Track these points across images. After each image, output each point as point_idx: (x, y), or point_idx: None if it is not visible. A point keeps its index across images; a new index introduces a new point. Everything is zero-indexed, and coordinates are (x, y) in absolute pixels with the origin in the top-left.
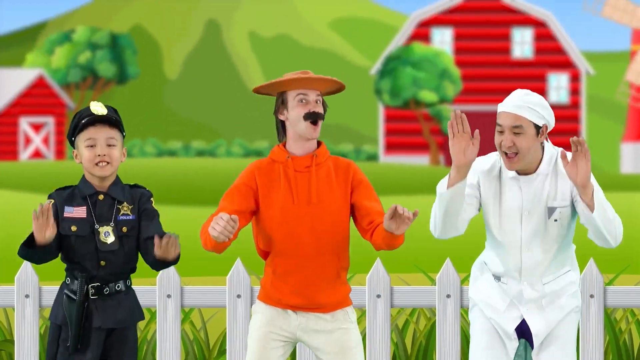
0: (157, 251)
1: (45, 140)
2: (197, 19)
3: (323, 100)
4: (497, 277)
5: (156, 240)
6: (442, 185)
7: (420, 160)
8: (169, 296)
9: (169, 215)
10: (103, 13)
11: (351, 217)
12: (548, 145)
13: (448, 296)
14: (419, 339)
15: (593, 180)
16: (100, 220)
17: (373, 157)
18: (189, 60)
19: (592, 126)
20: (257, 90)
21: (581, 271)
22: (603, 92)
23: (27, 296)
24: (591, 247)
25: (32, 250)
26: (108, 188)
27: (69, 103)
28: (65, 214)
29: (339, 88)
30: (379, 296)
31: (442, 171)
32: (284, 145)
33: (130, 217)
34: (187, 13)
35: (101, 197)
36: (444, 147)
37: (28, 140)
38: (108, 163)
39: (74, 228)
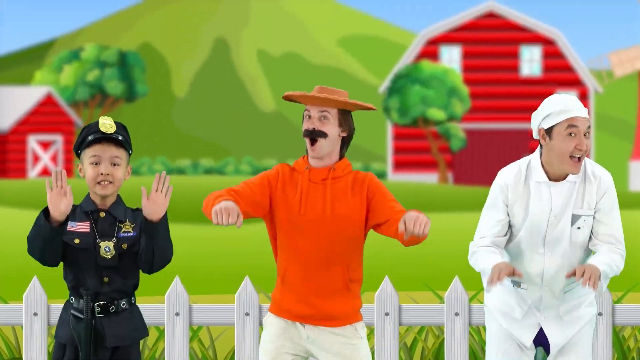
0: (146, 205)
1: (54, 158)
2: (205, 37)
3: (343, 117)
4: (517, 283)
5: (143, 190)
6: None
7: (429, 178)
8: (177, 314)
9: (177, 233)
10: (112, 31)
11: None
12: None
13: (456, 314)
14: (428, 357)
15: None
16: (102, 236)
17: (382, 175)
18: (197, 79)
19: (601, 144)
20: (287, 97)
21: None
22: (611, 110)
23: (35, 314)
24: None
25: (43, 229)
26: (109, 206)
27: (77, 121)
28: (69, 228)
29: (357, 105)
30: (387, 314)
31: (450, 189)
32: (307, 158)
33: (132, 234)
34: (196, 31)
35: (102, 214)
36: (452, 165)
37: (36, 158)
38: (110, 182)
39: (77, 241)
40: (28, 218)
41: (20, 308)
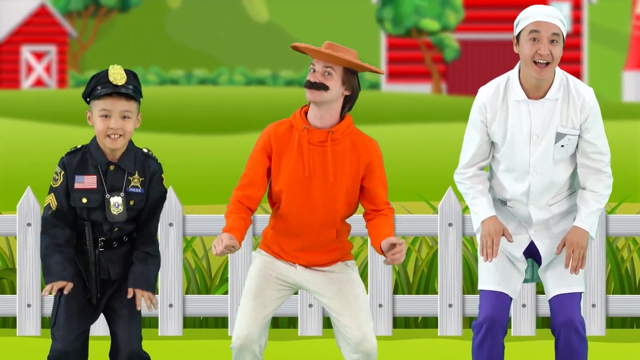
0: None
1: (47, 69)
2: None
3: (348, 76)
4: (504, 202)
5: (130, 292)
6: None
7: (423, 88)
8: (170, 224)
9: (170, 144)
10: None
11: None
12: (559, 70)
13: (450, 225)
14: (421, 267)
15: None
16: (111, 190)
17: (375, 86)
18: None
19: (594, 55)
20: (295, 47)
21: None
22: (605, 21)
23: (29, 224)
24: None
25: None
26: (119, 159)
27: (71, 31)
28: (76, 185)
29: (364, 67)
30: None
31: (444, 99)
32: (306, 112)
33: (139, 191)
34: None
35: (112, 167)
36: (446, 75)
37: (30, 69)
38: (121, 136)
39: (84, 200)
40: (22, 128)
41: (13, 218)
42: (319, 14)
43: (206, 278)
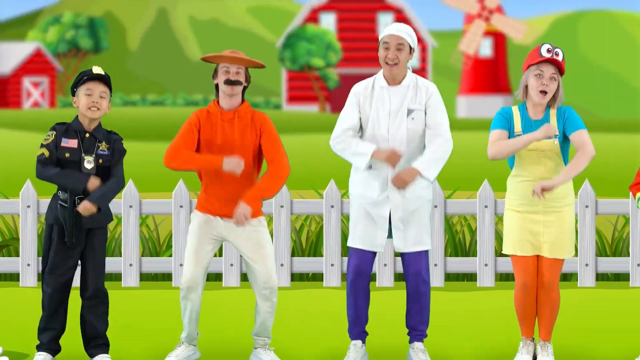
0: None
1: (42, 94)
2: (151, 7)
3: (246, 72)
4: (369, 166)
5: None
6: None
7: (312, 108)
8: (130, 206)
9: (132, 148)
10: (84, 3)
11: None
12: (411, 72)
13: (332, 206)
14: (311, 238)
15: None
16: (86, 151)
17: (278, 107)
18: (145, 37)
19: (437, 84)
20: (204, 59)
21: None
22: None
23: (28, 206)
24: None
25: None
26: (93, 129)
27: (58, 67)
28: (62, 144)
29: (257, 64)
30: (282, 206)
31: (327, 116)
32: (217, 102)
33: (106, 153)
34: (145, 3)
35: (87, 135)
36: (329, 99)
37: (29, 94)
38: (98, 109)
39: (67, 155)
40: (23, 138)
41: (17, 202)
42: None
43: (156, 245)
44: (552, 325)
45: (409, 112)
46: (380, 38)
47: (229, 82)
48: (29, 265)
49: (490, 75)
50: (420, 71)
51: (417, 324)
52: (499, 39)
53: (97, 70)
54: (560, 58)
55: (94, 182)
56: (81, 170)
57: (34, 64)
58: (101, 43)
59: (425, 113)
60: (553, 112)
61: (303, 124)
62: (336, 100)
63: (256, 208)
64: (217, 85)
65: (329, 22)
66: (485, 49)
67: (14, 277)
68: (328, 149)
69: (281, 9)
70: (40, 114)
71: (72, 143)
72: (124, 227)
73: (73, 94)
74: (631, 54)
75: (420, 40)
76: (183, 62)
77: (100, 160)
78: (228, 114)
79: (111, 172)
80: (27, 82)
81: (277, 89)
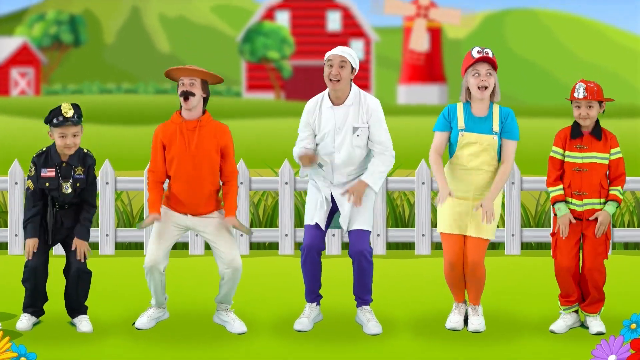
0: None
1: (28, 84)
2: (125, 5)
3: (203, 84)
4: (320, 166)
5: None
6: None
7: (269, 95)
8: (107, 183)
9: (108, 131)
10: (66, 1)
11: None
12: (355, 86)
13: (286, 183)
14: (268, 211)
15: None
16: (63, 178)
17: (238, 94)
18: (120, 32)
19: (379, 75)
20: (167, 74)
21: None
22: (385, 52)
23: (16, 183)
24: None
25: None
26: (68, 158)
27: (43, 59)
28: (42, 175)
29: (215, 78)
30: (242, 183)
31: (282, 103)
32: (180, 112)
33: (82, 177)
34: (119, 1)
35: (64, 164)
36: (283, 87)
37: (16, 84)
38: (72, 147)
39: (47, 184)
40: (11, 122)
41: (6, 179)
42: (203, 46)
43: (130, 218)
44: (479, 294)
45: (354, 129)
46: (325, 58)
47: (182, 94)
48: (16, 235)
49: (426, 67)
50: (365, 62)
51: (361, 294)
52: (435, 35)
53: (66, 110)
54: (490, 55)
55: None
56: (60, 195)
57: (21, 56)
58: (81, 37)
59: (369, 130)
60: (496, 110)
61: (261, 110)
62: (290, 88)
63: (216, 206)
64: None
65: (283, 19)
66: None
67: (3, 246)
68: (283, 132)
69: (241, 7)
70: (27, 101)
71: (50, 172)
72: (101, 202)
73: (47, 123)
74: (552, 48)
75: (364, 35)
76: (154, 55)
77: (78, 184)
78: (190, 124)
79: (84, 198)
80: (14, 73)
81: (237, 79)
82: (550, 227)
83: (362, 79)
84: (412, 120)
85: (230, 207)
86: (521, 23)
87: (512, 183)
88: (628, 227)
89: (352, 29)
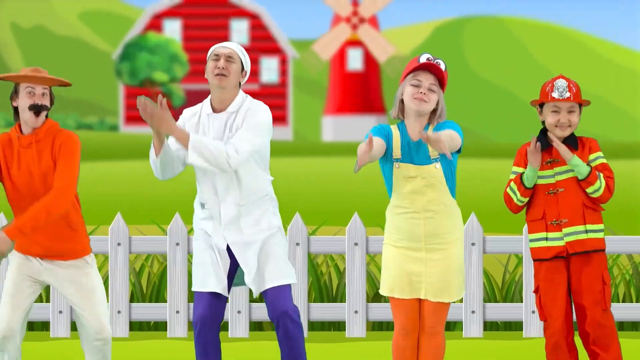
0: None
1: None
2: None
3: (51, 92)
4: (203, 205)
5: None
6: (153, 154)
7: None
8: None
9: None
10: None
11: None
12: (242, 93)
13: (177, 244)
14: (153, 280)
15: None
16: None
17: (115, 128)
18: None
19: (298, 102)
20: (1, 78)
21: (288, 223)
22: (307, 73)
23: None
24: (295, 201)
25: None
26: None
27: None
28: None
29: (62, 83)
30: (119, 244)
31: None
32: (19, 125)
33: None
34: None
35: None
36: (176, 118)
37: None
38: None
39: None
40: None
41: None
42: (68, 63)
43: None
44: None
45: (226, 140)
46: (209, 52)
47: (35, 108)
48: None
49: (361, 92)
50: (280, 86)
51: None
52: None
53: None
54: (442, 67)
55: None
56: None
57: None
58: None
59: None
60: (432, 130)
61: (144, 148)
62: None
63: (80, 246)
64: (16, 109)
65: (173, 29)
66: (355, 61)
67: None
68: (172, 179)
69: (118, 14)
70: None
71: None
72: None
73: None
74: (522, 64)
75: (279, 50)
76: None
77: None
78: (27, 139)
79: None
80: None
81: (113, 108)
82: (521, 301)
83: (276, 108)
84: (342, 162)
85: (18, 225)
86: (483, 34)
87: (473, 244)
88: (624, 302)
89: (263, 43)
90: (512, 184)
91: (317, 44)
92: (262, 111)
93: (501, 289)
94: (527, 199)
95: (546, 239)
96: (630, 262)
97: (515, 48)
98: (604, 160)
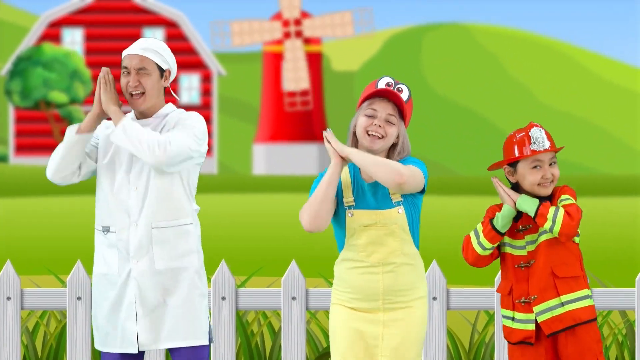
0: None
1: None
2: None
3: None
4: (107, 229)
5: None
6: (72, 130)
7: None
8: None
9: None
10: None
11: None
12: (172, 105)
13: (79, 298)
14: (50, 341)
15: None
16: None
17: (3, 159)
18: None
19: (224, 127)
20: None
21: (211, 274)
22: (235, 92)
23: None
24: (221, 247)
25: None
26: None
27: None
28: None
29: None
30: (9, 298)
31: None
32: None
33: None
34: None
35: None
36: None
37: None
38: None
39: None
40: None
41: None
42: None
43: None
44: None
45: None
46: (121, 60)
47: None
48: None
49: (299, 116)
50: (203, 108)
51: None
52: (313, 65)
53: None
54: (404, 96)
55: None
56: None
57: None
58: None
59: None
60: None
61: (37, 184)
62: None
63: None
64: None
65: (74, 40)
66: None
67: None
68: (74, 218)
69: (7, 21)
70: None
71: None
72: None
73: None
74: (493, 81)
75: (202, 65)
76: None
77: None
78: None
79: None
80: None
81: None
82: None
83: None
84: (276, 199)
85: None
86: (445, 44)
87: (434, 298)
88: None
89: (182, 56)
90: (477, 225)
91: (285, 82)
92: (196, 116)
93: (468, 352)
94: (491, 247)
95: (512, 319)
96: (623, 319)
97: (484, 61)
98: (573, 201)
